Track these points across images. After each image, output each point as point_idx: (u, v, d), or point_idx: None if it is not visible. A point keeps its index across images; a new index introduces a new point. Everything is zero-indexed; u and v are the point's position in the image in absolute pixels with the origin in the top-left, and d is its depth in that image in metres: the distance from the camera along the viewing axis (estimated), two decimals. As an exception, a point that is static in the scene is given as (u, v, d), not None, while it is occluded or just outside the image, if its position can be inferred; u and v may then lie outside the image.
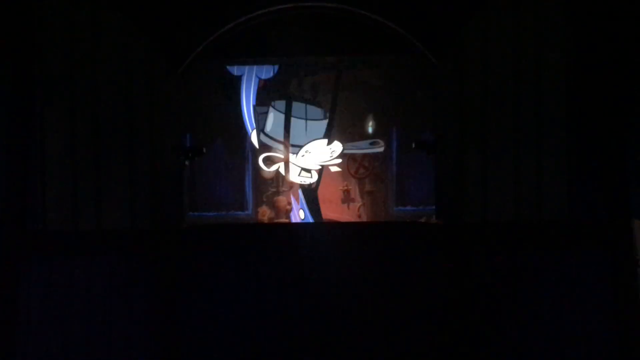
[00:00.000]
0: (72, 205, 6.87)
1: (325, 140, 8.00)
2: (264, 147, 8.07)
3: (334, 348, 6.68)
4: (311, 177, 8.09)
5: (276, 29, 7.49)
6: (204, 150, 7.27)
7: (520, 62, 6.89)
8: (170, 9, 7.04)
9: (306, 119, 8.09)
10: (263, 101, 8.01)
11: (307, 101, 8.09)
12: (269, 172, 8.06)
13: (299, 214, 8.04)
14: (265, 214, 8.12)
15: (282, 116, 8.06)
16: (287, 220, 8.07)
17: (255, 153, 8.14)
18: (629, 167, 6.71)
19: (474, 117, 6.96)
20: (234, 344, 6.70)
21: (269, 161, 8.03)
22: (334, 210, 8.18)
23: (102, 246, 6.85)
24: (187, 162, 7.25)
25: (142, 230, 6.96)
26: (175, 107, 7.24)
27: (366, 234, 7.06)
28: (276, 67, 7.98)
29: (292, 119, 8.07)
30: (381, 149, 7.92)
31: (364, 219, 8.05)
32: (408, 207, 7.98)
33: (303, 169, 8.04)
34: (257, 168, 8.14)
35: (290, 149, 8.02)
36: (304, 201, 8.11)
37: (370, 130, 8.07)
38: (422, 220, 7.68)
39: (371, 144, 7.97)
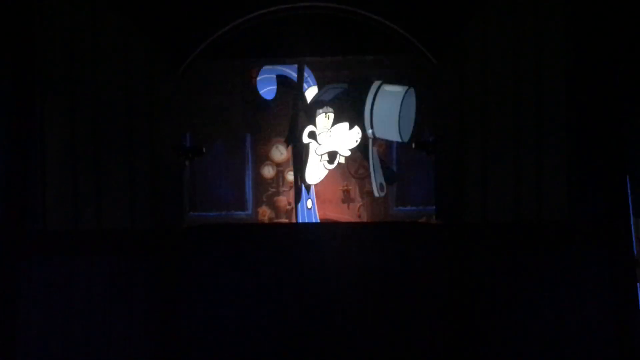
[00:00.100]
0: (72, 205, 6.87)
1: (347, 124, 7.97)
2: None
3: (334, 348, 6.67)
4: (336, 161, 8.07)
5: (276, 29, 7.49)
6: (204, 150, 7.26)
7: (520, 62, 6.88)
8: (170, 9, 7.04)
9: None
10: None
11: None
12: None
13: (307, 203, 8.04)
14: (265, 214, 8.12)
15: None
16: (287, 220, 8.08)
17: (256, 153, 8.15)
18: (629, 167, 6.72)
19: (474, 117, 6.96)
20: (234, 343, 6.70)
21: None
22: (333, 210, 8.19)
23: (102, 246, 6.85)
24: (187, 162, 7.24)
25: (142, 230, 6.96)
26: (175, 107, 7.24)
27: (366, 234, 7.05)
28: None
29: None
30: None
31: (364, 219, 8.05)
32: (408, 207, 7.99)
33: (329, 153, 8.01)
34: (257, 168, 8.14)
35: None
36: (313, 190, 8.11)
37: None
38: (422, 220, 7.68)
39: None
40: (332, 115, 8.03)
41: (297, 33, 7.55)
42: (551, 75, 6.84)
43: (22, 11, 6.82)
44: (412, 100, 7.69)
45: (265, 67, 7.90)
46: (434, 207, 7.37)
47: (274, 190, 8.21)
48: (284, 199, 8.17)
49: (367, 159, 7.98)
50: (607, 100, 6.77)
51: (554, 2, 6.86)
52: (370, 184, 7.97)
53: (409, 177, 8.02)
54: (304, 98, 8.01)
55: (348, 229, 7.30)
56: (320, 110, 8.01)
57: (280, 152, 8.14)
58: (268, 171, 8.15)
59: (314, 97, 8.03)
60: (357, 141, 7.96)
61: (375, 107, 7.81)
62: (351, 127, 7.93)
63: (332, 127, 8.01)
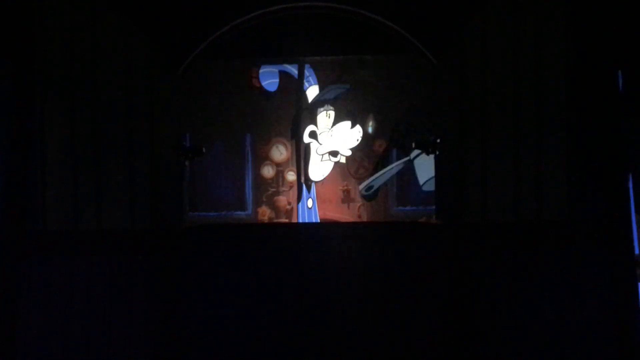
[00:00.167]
0: (72, 205, 6.87)
1: (349, 123, 7.98)
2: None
3: (334, 348, 6.68)
4: (338, 160, 8.09)
5: (276, 29, 7.49)
6: (204, 150, 7.27)
7: (520, 62, 6.88)
8: (170, 9, 7.04)
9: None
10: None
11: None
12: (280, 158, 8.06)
13: (308, 202, 8.05)
14: (265, 213, 8.13)
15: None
16: (287, 220, 8.09)
17: (256, 153, 8.16)
18: (631, 165, 6.71)
19: (474, 117, 6.95)
20: (234, 343, 6.70)
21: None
22: (333, 210, 8.20)
23: (102, 246, 6.84)
24: (187, 162, 7.25)
25: (142, 230, 6.95)
26: (175, 107, 7.24)
27: (366, 234, 7.05)
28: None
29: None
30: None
31: (364, 218, 8.06)
32: (408, 207, 8.00)
33: (330, 152, 8.03)
34: (257, 168, 8.15)
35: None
36: (314, 189, 8.12)
37: (370, 130, 8.09)
38: (422, 220, 7.69)
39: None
40: (332, 114, 8.04)
41: (297, 33, 7.56)
42: (551, 75, 6.83)
43: (22, 11, 6.81)
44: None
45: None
46: (434, 207, 7.37)
47: (273, 190, 8.22)
48: (284, 199, 8.18)
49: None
50: (608, 100, 6.76)
51: (554, 2, 6.85)
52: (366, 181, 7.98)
53: (409, 177, 8.03)
54: (305, 97, 8.02)
55: (348, 229, 7.30)
56: (321, 109, 8.02)
57: (280, 152, 8.15)
58: (268, 171, 8.16)
59: (315, 97, 8.04)
60: (358, 140, 7.97)
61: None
62: (353, 126, 7.94)
63: (333, 127, 8.02)
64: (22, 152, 6.83)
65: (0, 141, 6.80)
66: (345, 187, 8.15)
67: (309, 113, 7.95)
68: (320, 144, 7.97)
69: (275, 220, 8.08)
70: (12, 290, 6.69)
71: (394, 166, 7.95)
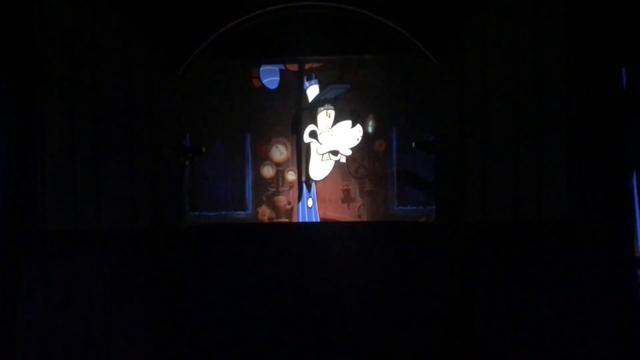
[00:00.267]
0: (72, 205, 6.87)
1: (349, 122, 7.99)
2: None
3: (334, 348, 6.68)
4: (339, 159, 8.09)
5: (276, 29, 7.49)
6: (204, 150, 7.27)
7: (520, 62, 6.88)
8: (170, 9, 7.04)
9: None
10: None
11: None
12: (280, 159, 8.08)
13: (308, 202, 8.05)
14: (265, 213, 8.12)
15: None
16: (287, 220, 8.08)
17: (256, 153, 8.15)
18: (633, 165, 6.71)
19: (474, 117, 6.96)
20: (234, 343, 6.71)
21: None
22: (333, 210, 8.19)
23: (102, 246, 6.84)
24: (187, 162, 7.25)
25: (142, 230, 6.96)
26: (175, 107, 7.24)
27: (366, 233, 7.06)
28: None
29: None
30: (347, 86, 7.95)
31: (364, 218, 8.06)
32: (408, 207, 7.99)
33: (331, 151, 8.03)
34: (257, 168, 8.15)
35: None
36: (314, 189, 8.12)
37: (370, 130, 8.08)
38: (422, 220, 7.68)
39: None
40: (332, 114, 8.04)
41: (297, 33, 7.55)
42: (551, 75, 6.83)
43: (22, 11, 6.81)
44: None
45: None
46: (434, 207, 7.37)
47: (273, 190, 8.21)
48: (284, 199, 8.17)
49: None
50: (607, 99, 6.76)
51: (554, 2, 6.85)
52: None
53: (409, 176, 8.03)
54: (305, 96, 8.02)
55: (348, 228, 7.30)
56: (322, 109, 8.02)
57: (280, 152, 8.14)
58: (268, 171, 8.16)
59: (315, 97, 8.05)
60: (358, 139, 7.98)
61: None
62: (353, 125, 7.95)
63: (334, 126, 8.02)
64: (22, 152, 6.83)
65: (0, 141, 6.80)
66: (345, 187, 8.14)
67: (310, 113, 7.96)
68: (321, 144, 7.97)
69: (275, 220, 8.07)
70: (12, 290, 6.69)
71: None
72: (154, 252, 6.84)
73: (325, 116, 8.03)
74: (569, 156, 6.79)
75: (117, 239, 6.89)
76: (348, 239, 6.86)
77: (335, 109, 8.01)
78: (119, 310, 6.73)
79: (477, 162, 6.93)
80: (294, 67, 8.11)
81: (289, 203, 8.13)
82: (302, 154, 7.99)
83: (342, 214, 8.17)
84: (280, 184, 8.20)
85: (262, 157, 8.17)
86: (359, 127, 7.96)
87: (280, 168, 8.18)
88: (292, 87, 8.12)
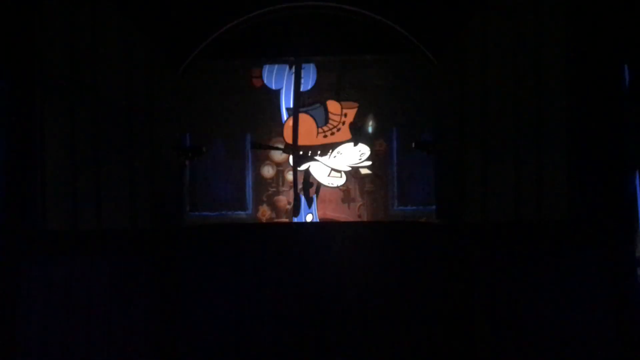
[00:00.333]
0: (72, 205, 6.87)
1: (352, 143, 8.02)
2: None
3: (334, 348, 6.68)
4: (341, 177, 8.10)
5: (277, 29, 7.50)
6: (204, 150, 7.27)
7: (520, 62, 6.88)
8: (170, 8, 7.04)
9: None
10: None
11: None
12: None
13: (307, 217, 8.06)
14: (265, 213, 8.13)
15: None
16: (287, 220, 8.09)
17: (256, 153, 8.16)
18: (630, 166, 6.71)
19: (474, 117, 6.96)
20: (234, 343, 6.70)
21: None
22: (334, 210, 8.20)
23: (102, 246, 6.84)
24: (187, 162, 7.26)
25: (142, 229, 6.96)
26: (175, 107, 7.25)
27: (366, 233, 7.06)
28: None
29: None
30: None
31: (364, 218, 8.07)
32: (408, 207, 8.00)
33: (333, 169, 8.04)
34: (257, 168, 8.16)
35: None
36: (315, 205, 8.14)
37: (370, 130, 8.10)
38: (423, 220, 7.69)
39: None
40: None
41: (297, 33, 7.56)
42: (551, 75, 6.83)
43: (22, 11, 6.81)
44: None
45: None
46: (434, 206, 7.38)
47: (274, 190, 8.22)
48: (284, 199, 8.19)
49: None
50: (607, 99, 6.76)
51: (554, 2, 6.86)
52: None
53: (409, 176, 8.04)
54: (304, 97, 8.03)
55: (348, 228, 7.31)
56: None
57: (280, 152, 8.15)
58: (268, 171, 8.17)
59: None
60: (360, 159, 8.01)
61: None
62: (355, 144, 7.99)
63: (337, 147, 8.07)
64: (22, 152, 6.84)
65: (0, 141, 6.80)
66: (345, 187, 8.16)
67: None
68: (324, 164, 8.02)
69: (276, 220, 8.09)
70: (12, 290, 6.69)
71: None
72: (154, 252, 6.84)
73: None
74: (569, 156, 6.79)
75: (117, 239, 6.88)
76: (348, 239, 6.86)
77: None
78: (119, 310, 6.72)
79: (477, 162, 6.93)
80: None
81: (289, 203, 8.14)
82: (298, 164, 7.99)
83: (342, 214, 8.18)
84: (281, 183, 8.21)
85: (262, 157, 8.18)
86: (360, 146, 8.00)
87: (280, 168, 8.20)
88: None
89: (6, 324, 6.63)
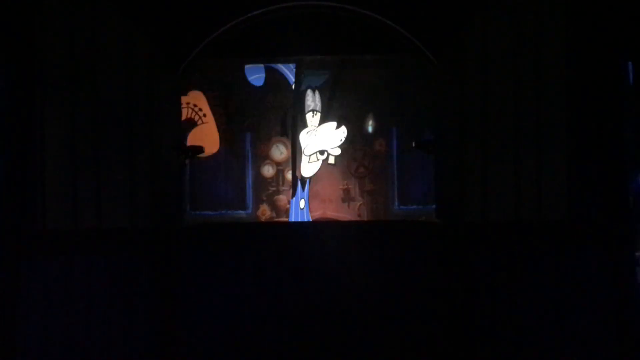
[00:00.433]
0: (72, 205, 6.87)
1: (335, 124, 8.02)
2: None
3: (334, 347, 6.68)
4: (325, 158, 8.10)
5: (276, 29, 7.48)
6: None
7: (520, 62, 6.87)
8: (170, 8, 7.03)
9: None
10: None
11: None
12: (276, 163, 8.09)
13: (300, 203, 8.06)
14: (265, 213, 8.13)
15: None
16: (287, 219, 8.09)
17: (256, 152, 8.16)
18: (629, 166, 6.71)
19: (474, 117, 6.95)
20: (234, 342, 6.71)
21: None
22: (334, 209, 8.20)
23: (102, 246, 6.84)
24: (187, 162, 7.25)
25: (142, 229, 6.95)
26: (175, 107, 7.24)
27: (366, 233, 7.06)
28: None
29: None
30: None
31: (364, 218, 8.06)
32: (408, 206, 8.00)
33: (319, 151, 8.05)
34: (257, 167, 8.15)
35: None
36: (307, 188, 8.14)
37: (370, 130, 8.09)
38: (423, 219, 7.69)
39: None
40: (319, 114, 8.07)
41: (296, 32, 7.55)
42: (551, 75, 6.83)
43: (22, 11, 6.81)
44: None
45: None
46: (434, 206, 7.37)
47: (274, 189, 8.22)
48: (284, 198, 8.19)
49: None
50: (607, 99, 6.76)
51: (554, 2, 6.85)
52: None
53: (409, 176, 8.03)
54: (302, 98, 8.04)
55: (348, 228, 7.31)
56: (309, 109, 8.07)
57: (280, 152, 8.16)
58: (268, 170, 8.17)
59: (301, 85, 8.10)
60: (341, 140, 8.01)
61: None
62: (338, 126, 7.97)
63: (319, 126, 8.04)
64: (22, 152, 6.84)
65: (1, 141, 6.80)
66: (345, 186, 8.16)
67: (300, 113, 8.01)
68: (307, 144, 8.01)
69: (276, 219, 8.08)
70: (12, 290, 6.69)
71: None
72: (154, 252, 6.84)
73: (312, 116, 8.07)
74: (569, 156, 6.79)
75: (116, 238, 6.88)
76: (348, 238, 6.86)
77: (321, 112, 8.06)
78: (118, 309, 6.73)
79: (477, 162, 6.92)
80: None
81: (289, 202, 8.14)
82: (296, 153, 8.01)
83: (342, 213, 8.18)
84: (281, 183, 8.21)
85: (262, 157, 8.18)
86: (343, 128, 8.00)
87: (280, 167, 8.20)
88: (282, 85, 8.15)
89: (6, 324, 6.64)
